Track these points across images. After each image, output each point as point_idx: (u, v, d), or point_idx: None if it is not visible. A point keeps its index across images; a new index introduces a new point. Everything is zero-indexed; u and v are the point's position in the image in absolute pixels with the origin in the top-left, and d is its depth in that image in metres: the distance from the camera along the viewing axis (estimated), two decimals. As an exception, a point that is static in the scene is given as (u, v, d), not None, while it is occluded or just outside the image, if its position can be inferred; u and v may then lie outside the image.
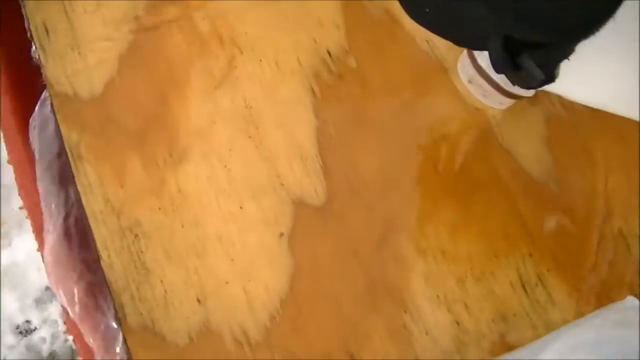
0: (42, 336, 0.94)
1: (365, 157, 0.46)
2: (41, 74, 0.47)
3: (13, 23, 0.49)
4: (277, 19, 0.49)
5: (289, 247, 0.44)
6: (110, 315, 0.44)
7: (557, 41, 0.31)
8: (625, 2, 0.29)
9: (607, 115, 0.46)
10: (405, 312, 0.43)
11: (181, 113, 0.46)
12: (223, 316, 0.43)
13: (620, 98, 0.39)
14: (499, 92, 0.45)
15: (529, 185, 0.46)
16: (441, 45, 0.48)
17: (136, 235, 0.44)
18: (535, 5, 0.29)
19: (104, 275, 0.43)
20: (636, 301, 0.39)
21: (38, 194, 0.45)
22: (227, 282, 0.44)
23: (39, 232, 0.46)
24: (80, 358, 0.45)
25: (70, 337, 0.44)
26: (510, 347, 0.42)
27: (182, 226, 0.45)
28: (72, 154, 0.46)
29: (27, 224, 0.47)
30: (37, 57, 0.48)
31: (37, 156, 0.46)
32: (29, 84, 0.47)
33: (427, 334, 0.43)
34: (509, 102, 0.46)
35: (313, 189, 0.45)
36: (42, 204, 0.45)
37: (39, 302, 0.95)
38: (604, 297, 0.44)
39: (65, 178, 0.46)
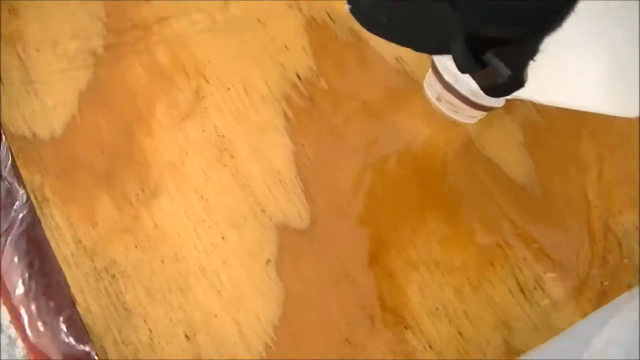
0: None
1: (345, 177, 0.52)
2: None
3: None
4: (240, 47, 0.56)
5: (277, 274, 0.50)
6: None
7: (520, 36, 0.37)
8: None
9: (583, 118, 0.56)
10: (405, 328, 0.50)
11: (150, 147, 0.52)
12: (215, 350, 0.48)
13: (592, 95, 0.47)
14: (469, 105, 0.50)
15: (514, 191, 0.52)
16: (410, 61, 0.56)
17: (113, 276, 0.50)
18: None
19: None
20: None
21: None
22: (215, 315, 0.49)
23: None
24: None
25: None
26: (515, 353, 0.50)
27: (162, 262, 0.50)
28: (35, 198, 0.52)
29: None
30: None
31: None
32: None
33: (430, 347, 0.50)
34: (480, 114, 0.52)
35: (296, 212, 0.52)
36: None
37: None
38: (603, 296, 0.52)
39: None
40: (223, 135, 0.53)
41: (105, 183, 0.52)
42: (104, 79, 0.55)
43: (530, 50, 0.38)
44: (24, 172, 0.52)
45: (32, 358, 0.48)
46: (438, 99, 0.52)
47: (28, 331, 0.48)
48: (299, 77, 0.56)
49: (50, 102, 0.54)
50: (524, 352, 0.49)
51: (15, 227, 0.50)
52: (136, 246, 0.50)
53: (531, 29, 0.37)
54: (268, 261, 0.50)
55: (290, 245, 0.51)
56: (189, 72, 0.55)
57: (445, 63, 0.49)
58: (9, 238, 0.50)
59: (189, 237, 0.51)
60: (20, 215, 0.50)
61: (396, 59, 0.56)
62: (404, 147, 0.54)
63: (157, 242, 0.50)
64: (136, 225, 0.51)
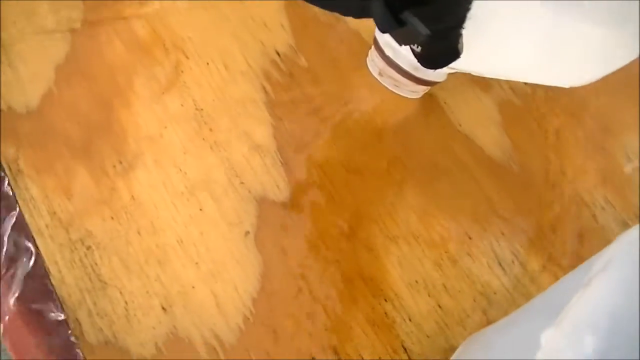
0: None
1: (325, 151, 0.52)
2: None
3: None
4: (220, 23, 0.55)
5: (256, 245, 0.49)
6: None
7: None
8: None
9: (558, 96, 0.56)
10: (385, 300, 0.49)
11: (128, 120, 0.51)
12: (192, 322, 0.47)
13: (526, 66, 0.44)
14: (410, 79, 0.50)
15: (492, 168, 0.52)
16: (388, 40, 0.58)
17: (89, 247, 0.49)
18: None
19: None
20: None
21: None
22: (193, 287, 0.48)
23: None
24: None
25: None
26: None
27: (139, 234, 0.49)
28: (10, 170, 0.51)
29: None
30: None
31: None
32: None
33: (410, 320, 0.49)
34: (422, 89, 0.52)
35: (275, 184, 0.51)
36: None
37: None
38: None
39: None
40: (202, 109, 0.53)
41: (82, 155, 0.51)
42: (81, 52, 0.54)
43: (450, 11, 0.39)
44: (-2, 144, 0.50)
45: None
46: (380, 74, 0.53)
47: None
48: (278, 53, 0.55)
49: (26, 74, 0.53)
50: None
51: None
52: (112, 218, 0.49)
53: None
54: (247, 233, 0.49)
55: (269, 217, 0.50)
56: (168, 47, 0.54)
57: (386, 38, 0.49)
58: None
59: (166, 209, 0.50)
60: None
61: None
62: (383, 124, 0.54)
63: (134, 214, 0.49)
64: (113, 197, 0.50)
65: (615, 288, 0.27)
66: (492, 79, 0.55)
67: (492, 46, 0.42)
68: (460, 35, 0.40)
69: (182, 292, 0.48)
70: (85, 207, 0.49)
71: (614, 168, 0.54)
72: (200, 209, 0.50)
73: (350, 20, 0.57)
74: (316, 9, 0.57)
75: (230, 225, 0.50)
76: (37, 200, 0.49)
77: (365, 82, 0.54)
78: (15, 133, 0.51)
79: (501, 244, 0.51)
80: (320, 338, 0.47)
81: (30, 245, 0.48)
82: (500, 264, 0.50)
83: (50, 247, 0.48)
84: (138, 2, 0.56)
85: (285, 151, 0.52)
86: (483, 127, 0.55)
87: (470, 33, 0.40)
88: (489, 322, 0.48)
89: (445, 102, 0.55)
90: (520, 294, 0.50)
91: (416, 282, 0.49)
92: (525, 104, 0.56)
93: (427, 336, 0.48)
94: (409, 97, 0.53)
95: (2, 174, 0.49)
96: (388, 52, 0.50)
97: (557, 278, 0.50)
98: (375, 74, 0.53)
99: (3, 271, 0.47)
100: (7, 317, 0.46)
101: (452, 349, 0.48)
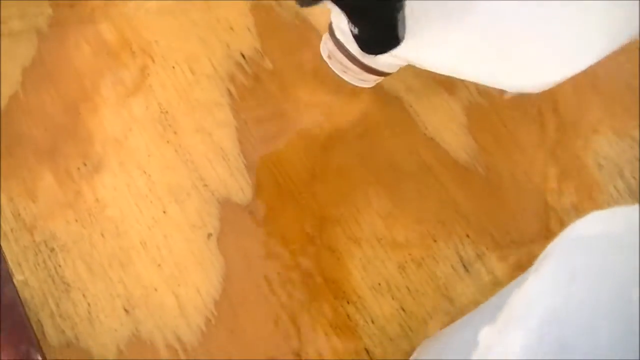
0: None
1: (288, 153, 0.52)
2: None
3: None
4: (186, 27, 0.55)
5: (218, 248, 0.49)
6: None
7: None
8: None
9: (526, 100, 0.56)
10: (348, 302, 0.49)
11: (94, 123, 0.51)
12: (154, 324, 0.46)
13: (469, 66, 0.43)
14: (358, 66, 0.49)
15: (457, 170, 0.52)
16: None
17: (52, 249, 0.49)
18: None
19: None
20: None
21: None
22: (155, 289, 0.48)
23: None
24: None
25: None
26: (458, 327, 0.49)
27: (103, 236, 0.49)
28: (-26, 173, 0.51)
29: None
30: None
31: None
32: None
33: (373, 322, 0.49)
34: (371, 79, 0.50)
35: (239, 187, 0.50)
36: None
37: None
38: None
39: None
40: (167, 112, 0.52)
41: (47, 158, 0.50)
42: (48, 56, 0.54)
43: None
44: (-37, 147, 0.50)
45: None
46: (329, 56, 0.51)
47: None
48: (243, 56, 0.55)
49: (-7, 77, 0.52)
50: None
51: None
52: (77, 220, 0.49)
53: None
54: (209, 235, 0.49)
55: (232, 220, 0.50)
56: (135, 50, 0.54)
57: (339, 22, 0.48)
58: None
59: (130, 212, 0.49)
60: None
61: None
62: (349, 127, 0.54)
63: (98, 216, 0.49)
64: (77, 200, 0.49)
65: (546, 284, 0.26)
66: (459, 80, 0.55)
67: (435, 36, 0.40)
68: (396, 20, 0.37)
69: (144, 294, 0.47)
70: (50, 210, 0.49)
71: (579, 170, 0.54)
72: (164, 212, 0.50)
73: (316, 22, 0.56)
74: (281, 12, 0.57)
75: (193, 227, 0.49)
76: (1, 204, 0.49)
77: (331, 85, 0.54)
78: (-19, 136, 0.51)
79: (466, 247, 0.51)
80: (281, 340, 0.47)
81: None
82: (464, 266, 0.50)
83: (14, 250, 0.48)
84: (105, 6, 0.55)
85: (249, 154, 0.52)
86: (449, 130, 0.54)
87: (414, 21, 0.38)
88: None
89: (411, 106, 0.54)
90: (484, 296, 0.49)
91: (379, 284, 0.49)
92: (491, 105, 0.55)
93: (390, 339, 0.48)
94: (357, 85, 0.51)
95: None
96: (338, 35, 0.48)
97: (521, 280, 0.50)
98: (325, 57, 0.51)
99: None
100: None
101: (415, 351, 0.47)
